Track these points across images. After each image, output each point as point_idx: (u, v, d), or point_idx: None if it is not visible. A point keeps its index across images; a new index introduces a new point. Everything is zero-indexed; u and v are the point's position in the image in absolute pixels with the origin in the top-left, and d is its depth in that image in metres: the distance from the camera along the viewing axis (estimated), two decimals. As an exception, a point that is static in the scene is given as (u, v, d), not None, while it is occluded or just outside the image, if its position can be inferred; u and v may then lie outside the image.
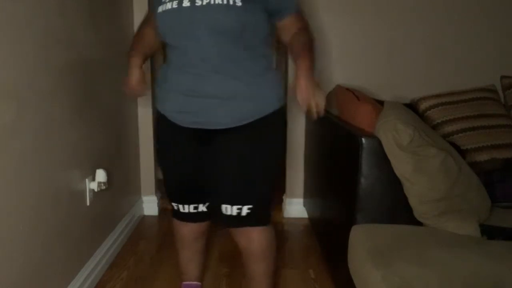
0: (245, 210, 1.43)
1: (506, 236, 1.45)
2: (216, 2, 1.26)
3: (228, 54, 1.32)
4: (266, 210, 1.52)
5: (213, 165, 1.46)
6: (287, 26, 1.41)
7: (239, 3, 1.26)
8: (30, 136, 1.42)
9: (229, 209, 1.44)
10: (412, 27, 2.56)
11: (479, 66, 2.57)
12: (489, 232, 1.45)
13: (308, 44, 1.37)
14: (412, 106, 2.27)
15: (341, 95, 1.97)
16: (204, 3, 1.27)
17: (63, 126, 1.66)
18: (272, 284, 1.64)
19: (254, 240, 1.52)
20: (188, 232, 1.66)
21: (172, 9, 1.30)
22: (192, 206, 1.57)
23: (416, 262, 1.25)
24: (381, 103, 1.76)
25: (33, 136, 1.45)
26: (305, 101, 1.22)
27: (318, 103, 1.23)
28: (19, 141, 1.36)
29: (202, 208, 1.59)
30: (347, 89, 1.99)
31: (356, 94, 1.85)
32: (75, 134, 1.77)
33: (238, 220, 1.46)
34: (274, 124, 1.44)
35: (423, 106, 2.25)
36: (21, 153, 1.38)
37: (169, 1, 1.32)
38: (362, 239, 1.45)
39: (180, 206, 1.58)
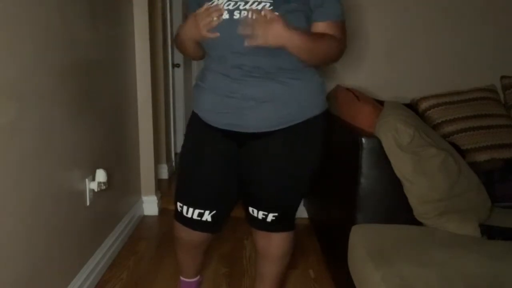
0: (270, 217, 1.45)
1: (506, 236, 1.45)
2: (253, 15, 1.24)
3: (267, 63, 1.30)
4: (291, 217, 1.53)
5: (244, 167, 1.44)
6: (319, 31, 1.32)
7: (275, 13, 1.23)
8: (30, 136, 1.42)
9: (255, 212, 1.47)
10: (412, 27, 2.56)
11: (479, 66, 2.57)
12: (489, 232, 1.45)
13: (324, 39, 1.28)
14: (412, 106, 2.26)
15: (341, 95, 1.97)
16: (242, 16, 1.26)
17: (63, 126, 1.66)
18: (280, 284, 1.65)
19: (274, 244, 1.53)
20: (186, 238, 1.56)
21: None
22: (197, 212, 1.46)
23: (416, 262, 1.25)
24: (381, 103, 1.76)
25: (33, 136, 1.45)
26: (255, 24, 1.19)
27: (260, 33, 1.18)
28: (19, 141, 1.36)
29: (206, 216, 1.47)
30: (347, 89, 1.99)
31: (356, 94, 1.85)
32: (75, 134, 1.77)
33: (262, 224, 1.48)
34: (313, 131, 1.40)
35: (423, 106, 2.25)
36: (21, 153, 1.38)
37: None
38: (362, 239, 1.45)
39: (185, 209, 1.47)
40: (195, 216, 1.47)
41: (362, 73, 2.61)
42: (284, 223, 1.50)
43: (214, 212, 1.47)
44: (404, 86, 2.59)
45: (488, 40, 2.56)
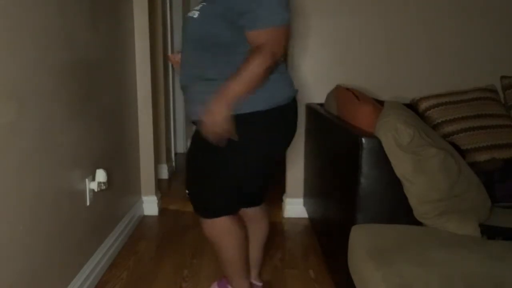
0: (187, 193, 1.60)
1: (506, 236, 1.45)
2: (190, 14, 1.45)
3: (196, 60, 1.44)
4: (199, 203, 1.58)
5: None
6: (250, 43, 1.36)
7: (195, 16, 1.40)
8: (30, 136, 1.42)
9: None
10: (412, 27, 2.56)
11: (479, 66, 2.57)
12: (489, 232, 1.45)
13: (244, 67, 1.33)
14: (412, 106, 2.27)
15: (341, 95, 1.97)
16: (188, 15, 1.47)
17: (64, 126, 1.66)
18: (229, 274, 1.66)
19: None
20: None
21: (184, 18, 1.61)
22: None
23: (416, 262, 1.25)
24: (381, 103, 1.76)
25: (33, 136, 1.45)
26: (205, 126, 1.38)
27: (215, 131, 1.37)
28: (19, 141, 1.36)
29: None
30: (347, 89, 1.99)
31: (356, 94, 1.85)
32: (75, 134, 1.77)
33: None
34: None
35: (423, 106, 2.25)
36: (21, 153, 1.38)
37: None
38: (362, 239, 1.45)
39: None
40: None
41: (362, 73, 2.62)
42: (195, 205, 1.59)
43: None
44: (404, 86, 2.59)
45: (488, 40, 2.56)
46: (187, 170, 1.59)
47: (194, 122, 1.51)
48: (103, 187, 1.97)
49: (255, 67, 1.33)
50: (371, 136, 1.51)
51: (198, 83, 1.44)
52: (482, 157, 2.04)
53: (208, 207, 1.57)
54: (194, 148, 1.54)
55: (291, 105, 1.49)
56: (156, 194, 2.88)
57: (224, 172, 1.49)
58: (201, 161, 1.51)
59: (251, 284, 1.74)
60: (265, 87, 1.39)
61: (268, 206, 1.83)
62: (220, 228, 1.57)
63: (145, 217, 2.82)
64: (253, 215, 1.76)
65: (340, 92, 2.02)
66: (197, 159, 1.53)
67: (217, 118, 1.34)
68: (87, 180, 1.89)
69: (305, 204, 2.75)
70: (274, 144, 1.51)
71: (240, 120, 1.39)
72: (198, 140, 1.48)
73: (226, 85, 1.34)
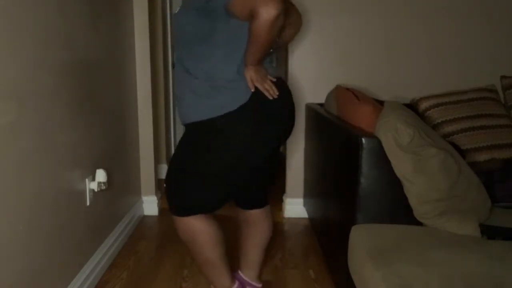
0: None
1: (506, 236, 1.45)
2: (176, 11, 1.48)
3: (181, 56, 1.46)
4: (170, 198, 1.60)
5: None
6: (236, 15, 1.31)
7: (177, 11, 1.46)
8: (30, 136, 1.42)
9: None
10: (412, 27, 2.56)
11: (479, 66, 2.57)
12: (489, 232, 1.45)
13: (250, 36, 1.30)
14: (412, 106, 2.26)
15: (341, 95, 1.97)
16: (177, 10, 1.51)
17: (63, 126, 1.66)
18: (204, 273, 1.68)
19: None
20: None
21: None
22: None
23: (416, 262, 1.25)
24: (381, 103, 1.76)
25: (33, 136, 1.45)
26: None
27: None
28: (19, 141, 1.36)
29: None
30: (347, 89, 1.99)
31: (356, 94, 1.85)
32: (75, 134, 1.77)
33: None
34: (186, 135, 1.52)
35: (423, 106, 2.24)
36: (22, 153, 1.38)
37: None
38: (362, 239, 1.45)
39: None
40: None
41: (362, 73, 2.61)
42: (169, 203, 1.62)
43: None
44: (404, 86, 2.59)
45: (488, 40, 2.56)
46: (168, 168, 1.64)
47: (184, 125, 1.51)
48: (103, 187, 1.97)
49: (261, 33, 1.26)
50: (371, 136, 1.51)
51: (182, 77, 1.45)
52: (482, 157, 2.04)
53: (179, 205, 1.57)
54: (178, 148, 1.57)
55: (258, 103, 1.42)
56: (156, 194, 2.88)
57: (196, 170, 1.49)
58: (177, 159, 1.56)
59: (235, 281, 1.72)
60: (222, 94, 1.40)
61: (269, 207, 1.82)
62: (190, 227, 1.56)
63: (145, 217, 2.81)
64: (254, 216, 1.74)
65: (340, 92, 2.02)
66: (176, 157, 1.57)
67: (254, 74, 1.40)
68: (87, 180, 1.89)
69: (305, 204, 2.75)
70: (247, 143, 1.44)
71: (211, 124, 1.41)
72: (182, 141, 1.52)
73: (248, 60, 1.37)
